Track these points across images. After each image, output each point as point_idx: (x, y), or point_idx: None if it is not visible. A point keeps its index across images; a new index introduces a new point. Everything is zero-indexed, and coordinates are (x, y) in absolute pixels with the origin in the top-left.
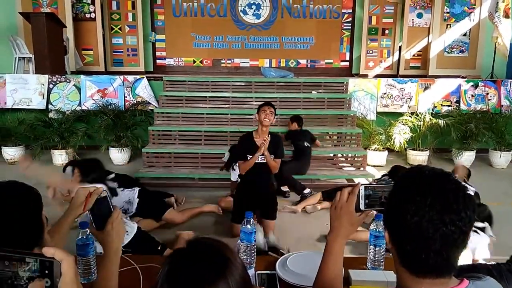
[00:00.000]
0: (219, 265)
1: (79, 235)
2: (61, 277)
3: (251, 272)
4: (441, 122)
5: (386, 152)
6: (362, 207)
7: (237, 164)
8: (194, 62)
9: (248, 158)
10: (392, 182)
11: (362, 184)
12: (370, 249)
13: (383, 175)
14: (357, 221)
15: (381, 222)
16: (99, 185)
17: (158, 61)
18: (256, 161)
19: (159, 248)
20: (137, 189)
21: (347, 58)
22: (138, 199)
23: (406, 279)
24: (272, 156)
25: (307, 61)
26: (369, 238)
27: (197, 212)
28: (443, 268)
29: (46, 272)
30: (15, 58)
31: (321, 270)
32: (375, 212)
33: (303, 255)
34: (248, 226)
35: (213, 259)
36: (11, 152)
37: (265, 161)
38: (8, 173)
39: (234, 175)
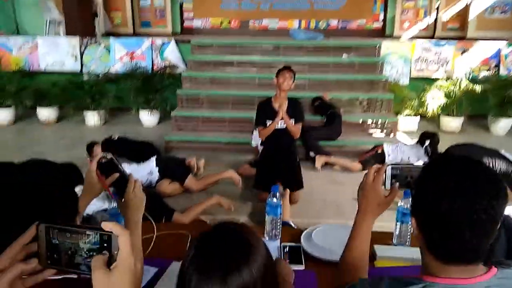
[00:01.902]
0: (243, 253)
1: (112, 204)
2: (118, 251)
3: (276, 243)
4: (478, 87)
5: (418, 118)
6: (387, 186)
7: (257, 130)
8: (222, 23)
9: (267, 124)
10: (421, 164)
11: (389, 164)
12: (396, 225)
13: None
14: (385, 202)
15: (409, 199)
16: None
17: (185, 22)
18: (276, 127)
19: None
20: (153, 158)
21: (381, 18)
22: (157, 167)
23: (433, 265)
24: (292, 120)
25: (338, 22)
26: (396, 214)
27: (215, 180)
28: (472, 256)
29: (105, 245)
30: (46, 20)
31: (348, 247)
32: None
33: (328, 228)
34: (274, 200)
35: (237, 246)
36: (46, 113)
37: (285, 126)
38: (43, 133)
39: (255, 141)
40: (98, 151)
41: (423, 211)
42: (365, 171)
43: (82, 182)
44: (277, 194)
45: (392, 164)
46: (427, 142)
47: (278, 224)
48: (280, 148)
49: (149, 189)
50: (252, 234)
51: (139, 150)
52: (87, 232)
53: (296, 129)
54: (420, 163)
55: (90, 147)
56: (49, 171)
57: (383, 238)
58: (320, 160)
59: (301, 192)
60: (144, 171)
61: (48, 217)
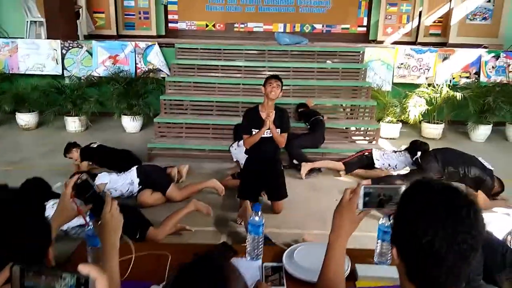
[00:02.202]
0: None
1: (89, 225)
2: None
3: (258, 263)
4: (458, 94)
5: (400, 125)
6: (360, 206)
7: (242, 139)
8: (207, 26)
9: (253, 133)
10: (394, 184)
11: (363, 184)
12: (377, 243)
13: (403, 150)
14: (358, 219)
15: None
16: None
17: (170, 24)
18: (262, 136)
19: (137, 235)
20: (134, 168)
21: (365, 23)
22: (138, 178)
23: None
24: (278, 130)
25: (322, 26)
26: (378, 232)
27: (198, 189)
28: (453, 283)
29: None
30: (27, 21)
31: (324, 268)
32: None
33: (311, 247)
34: (256, 218)
35: (214, 281)
36: (26, 118)
37: (271, 135)
38: (23, 139)
39: (235, 156)
40: (75, 155)
41: (404, 242)
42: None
43: (51, 196)
44: (259, 213)
45: (364, 185)
46: (419, 154)
47: (260, 243)
48: (265, 157)
49: (129, 199)
50: (232, 271)
51: (119, 159)
52: (63, 275)
53: (282, 138)
54: (407, 170)
55: (68, 148)
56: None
57: (364, 255)
58: (305, 168)
59: (284, 201)
60: (124, 181)
61: (19, 251)
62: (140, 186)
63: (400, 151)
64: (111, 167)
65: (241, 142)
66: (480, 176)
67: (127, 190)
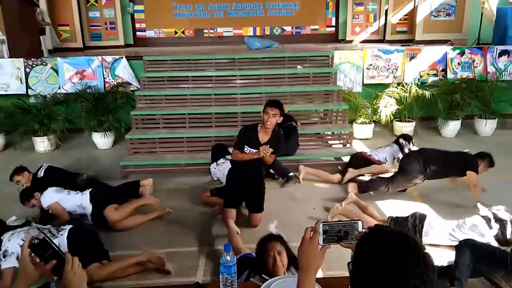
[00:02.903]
0: None
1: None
2: None
3: None
4: (427, 93)
5: (372, 125)
6: (320, 242)
7: (222, 157)
8: (176, 33)
9: (246, 150)
10: (349, 220)
11: (321, 222)
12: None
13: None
14: (322, 254)
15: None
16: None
17: (138, 33)
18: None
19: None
20: (88, 192)
21: (333, 23)
22: (91, 204)
23: None
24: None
25: (292, 28)
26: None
27: (134, 207)
28: None
29: None
30: None
31: None
32: None
33: (287, 281)
34: (228, 258)
35: None
36: None
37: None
38: None
39: (214, 175)
40: (18, 178)
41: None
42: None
43: (6, 229)
44: (231, 253)
45: (323, 222)
46: (401, 140)
47: (234, 283)
48: (250, 171)
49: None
50: None
51: (72, 182)
52: None
53: (270, 159)
54: (393, 159)
55: (13, 174)
56: None
57: (338, 284)
58: (304, 170)
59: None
60: (74, 203)
61: None
62: (93, 210)
63: (386, 146)
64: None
65: (220, 161)
66: (463, 164)
67: (75, 212)
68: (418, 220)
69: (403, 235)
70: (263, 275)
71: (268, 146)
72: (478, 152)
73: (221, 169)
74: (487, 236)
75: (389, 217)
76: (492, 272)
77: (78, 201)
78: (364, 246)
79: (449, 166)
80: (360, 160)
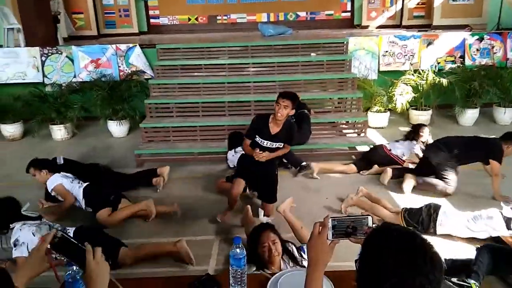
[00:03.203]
0: None
1: (68, 271)
2: None
3: None
4: (444, 81)
5: (388, 113)
6: (329, 237)
7: (239, 146)
8: (189, 19)
9: (257, 140)
10: (358, 214)
11: (330, 217)
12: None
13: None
14: (331, 249)
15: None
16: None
17: (151, 20)
18: (264, 145)
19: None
20: (83, 187)
21: (349, 8)
22: (84, 199)
23: None
24: (280, 144)
25: (306, 14)
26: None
27: (129, 214)
28: None
29: None
30: (4, 29)
31: None
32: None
33: (296, 274)
34: (238, 251)
35: None
36: (10, 129)
37: (272, 146)
38: (9, 151)
39: (231, 162)
40: (33, 172)
41: (368, 285)
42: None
43: (19, 218)
44: (241, 245)
45: (331, 217)
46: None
47: (244, 276)
48: (260, 164)
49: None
50: None
51: (86, 174)
52: None
53: (284, 150)
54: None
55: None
56: None
57: (348, 277)
58: (317, 167)
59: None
60: (73, 191)
61: None
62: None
63: (405, 140)
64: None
65: (239, 148)
66: (487, 151)
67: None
68: (433, 209)
69: (411, 233)
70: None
71: (270, 144)
72: (503, 134)
73: (238, 156)
74: (501, 231)
75: (403, 208)
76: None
77: (75, 192)
78: (372, 243)
79: (473, 152)
80: (380, 156)
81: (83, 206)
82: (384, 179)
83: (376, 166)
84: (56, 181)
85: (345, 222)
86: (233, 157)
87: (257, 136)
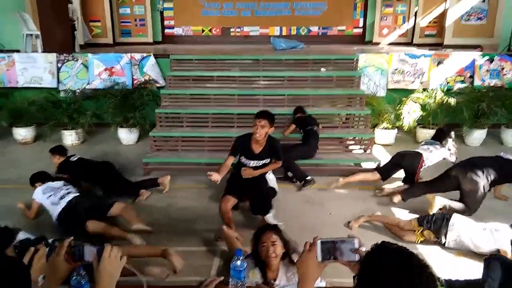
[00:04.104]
0: None
1: (73, 275)
2: None
3: None
4: (452, 100)
5: (395, 131)
6: (319, 259)
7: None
8: (203, 31)
9: (242, 161)
10: (345, 237)
11: (319, 239)
12: None
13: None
14: (320, 266)
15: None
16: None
17: (166, 30)
18: (251, 165)
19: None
20: (61, 207)
21: (361, 24)
22: (58, 217)
23: None
24: (268, 160)
25: (318, 29)
26: None
27: (112, 235)
28: None
29: None
30: (24, 34)
31: None
32: None
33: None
34: (238, 263)
35: None
36: (23, 133)
37: (259, 164)
38: (20, 154)
39: None
40: (55, 161)
41: None
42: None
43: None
44: (241, 257)
45: (321, 239)
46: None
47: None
48: (251, 181)
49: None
50: None
51: (98, 173)
52: None
53: (274, 166)
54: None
55: (55, 150)
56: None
57: None
58: (344, 181)
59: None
60: (47, 207)
61: None
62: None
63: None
64: (89, 181)
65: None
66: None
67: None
68: (447, 213)
69: (409, 253)
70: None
71: (256, 162)
72: None
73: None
74: (504, 245)
75: (415, 218)
76: None
77: (50, 210)
78: (370, 261)
79: (506, 174)
80: (413, 166)
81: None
82: (393, 200)
83: (394, 184)
84: (37, 196)
85: (332, 245)
86: None
87: (242, 157)
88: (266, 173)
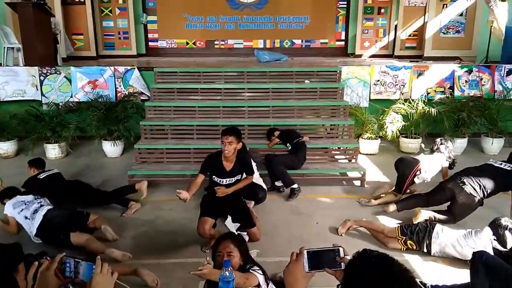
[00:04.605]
0: None
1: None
2: None
3: None
4: (433, 110)
5: (378, 141)
6: (306, 269)
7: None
8: (187, 43)
9: (215, 179)
10: (330, 247)
11: (305, 249)
12: None
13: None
14: (310, 275)
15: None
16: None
17: (150, 43)
18: (223, 183)
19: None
20: (38, 222)
21: (343, 37)
22: (36, 230)
23: None
24: (239, 176)
25: (302, 41)
26: None
27: (96, 250)
28: None
29: None
30: (4, 47)
31: None
32: None
33: None
34: (227, 274)
35: None
36: (4, 147)
37: (231, 181)
38: (2, 167)
39: None
40: (29, 171)
41: None
42: None
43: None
44: (230, 268)
45: (306, 249)
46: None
47: None
48: (225, 199)
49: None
50: None
51: (66, 193)
52: None
53: (247, 181)
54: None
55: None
56: None
57: None
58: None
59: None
60: (20, 222)
61: None
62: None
63: (435, 155)
64: (55, 199)
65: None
66: (506, 180)
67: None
68: (429, 223)
69: (389, 259)
70: None
71: (229, 180)
72: None
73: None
74: (488, 249)
75: (398, 226)
76: None
77: (24, 225)
78: (352, 269)
79: (502, 187)
80: (406, 172)
81: (32, 236)
82: (388, 209)
83: (382, 196)
84: (8, 210)
85: (319, 254)
86: None
87: (214, 176)
88: (238, 193)
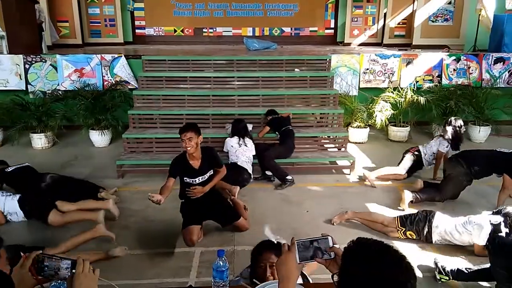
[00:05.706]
0: None
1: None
2: None
3: None
4: (422, 99)
5: (367, 129)
6: (297, 260)
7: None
8: (175, 31)
9: (186, 180)
10: (319, 236)
11: (296, 240)
12: None
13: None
14: (300, 266)
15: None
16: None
17: (137, 30)
18: (197, 182)
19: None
20: (15, 200)
21: (332, 25)
22: (22, 210)
23: None
24: (211, 172)
25: (291, 29)
26: None
27: (79, 219)
28: None
29: None
30: None
31: None
32: None
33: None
34: (221, 263)
35: None
36: None
37: (204, 179)
38: None
39: (226, 148)
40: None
41: None
42: None
43: None
44: (224, 258)
45: (297, 240)
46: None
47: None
48: (202, 199)
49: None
50: None
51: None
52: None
53: (220, 174)
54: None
55: None
56: None
57: None
58: (374, 175)
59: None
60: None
61: None
62: (24, 218)
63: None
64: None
65: (247, 140)
66: (507, 165)
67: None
68: (429, 212)
69: (386, 246)
70: (254, 280)
71: (201, 178)
72: None
73: (241, 149)
74: (480, 241)
75: (398, 216)
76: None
77: (8, 207)
78: (350, 255)
79: (493, 169)
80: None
81: (20, 219)
82: (417, 185)
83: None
84: None
85: (307, 244)
86: (237, 145)
87: (185, 178)
88: (215, 186)
